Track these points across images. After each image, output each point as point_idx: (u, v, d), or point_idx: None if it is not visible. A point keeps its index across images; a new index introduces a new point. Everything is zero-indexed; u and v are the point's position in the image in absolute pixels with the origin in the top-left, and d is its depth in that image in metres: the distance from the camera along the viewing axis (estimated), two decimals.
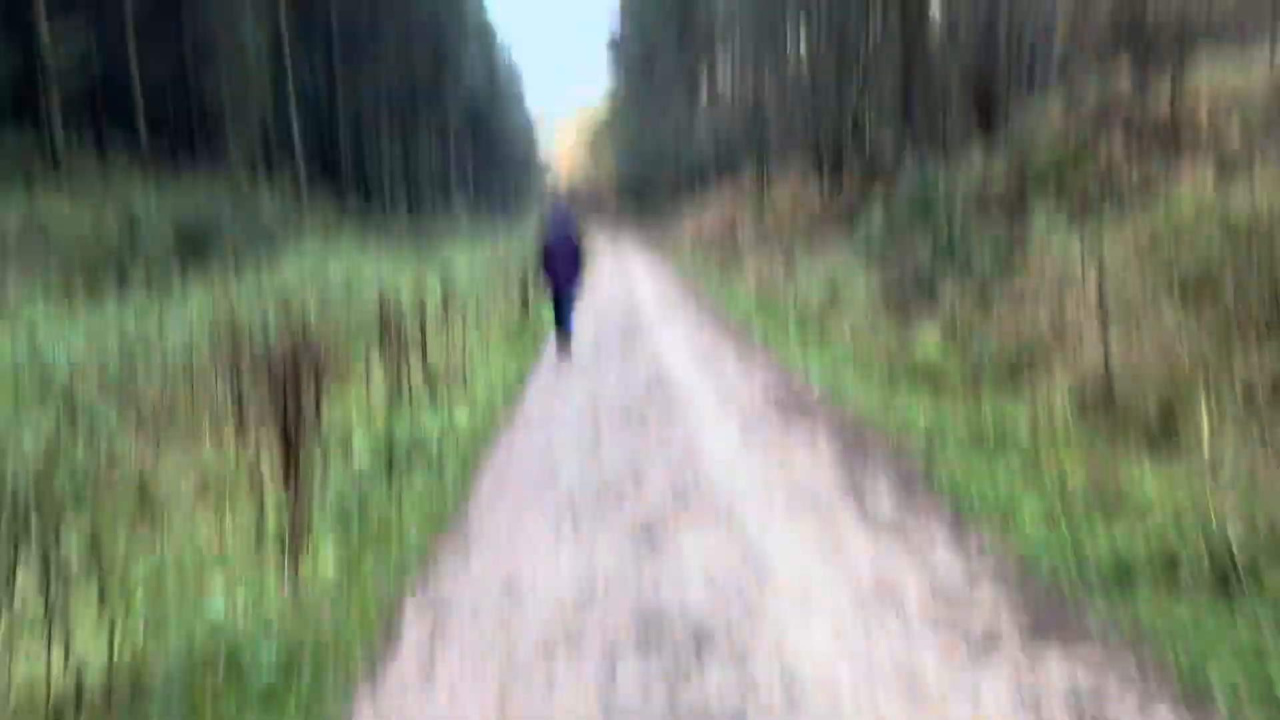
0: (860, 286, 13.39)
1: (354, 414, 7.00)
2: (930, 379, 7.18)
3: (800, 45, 26.90)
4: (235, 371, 5.10)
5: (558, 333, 11.20)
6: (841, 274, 15.12)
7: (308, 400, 5.16)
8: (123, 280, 14.91)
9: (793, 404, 7.24)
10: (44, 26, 18.97)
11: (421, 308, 9.54)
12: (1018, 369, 6.78)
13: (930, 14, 18.48)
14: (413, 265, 22.35)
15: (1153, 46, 16.15)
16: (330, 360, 8.22)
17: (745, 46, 44.15)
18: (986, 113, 18.98)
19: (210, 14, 26.50)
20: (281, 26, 29.00)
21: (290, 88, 29.91)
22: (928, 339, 7.69)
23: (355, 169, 46.00)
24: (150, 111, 29.68)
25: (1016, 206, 12.76)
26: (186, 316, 9.35)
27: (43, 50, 19.05)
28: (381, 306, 9.20)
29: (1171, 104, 12.87)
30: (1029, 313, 7.65)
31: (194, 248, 15.74)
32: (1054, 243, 8.83)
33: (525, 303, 14.96)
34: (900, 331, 9.38)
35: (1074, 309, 6.90)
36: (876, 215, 16.13)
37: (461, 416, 7.22)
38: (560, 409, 7.54)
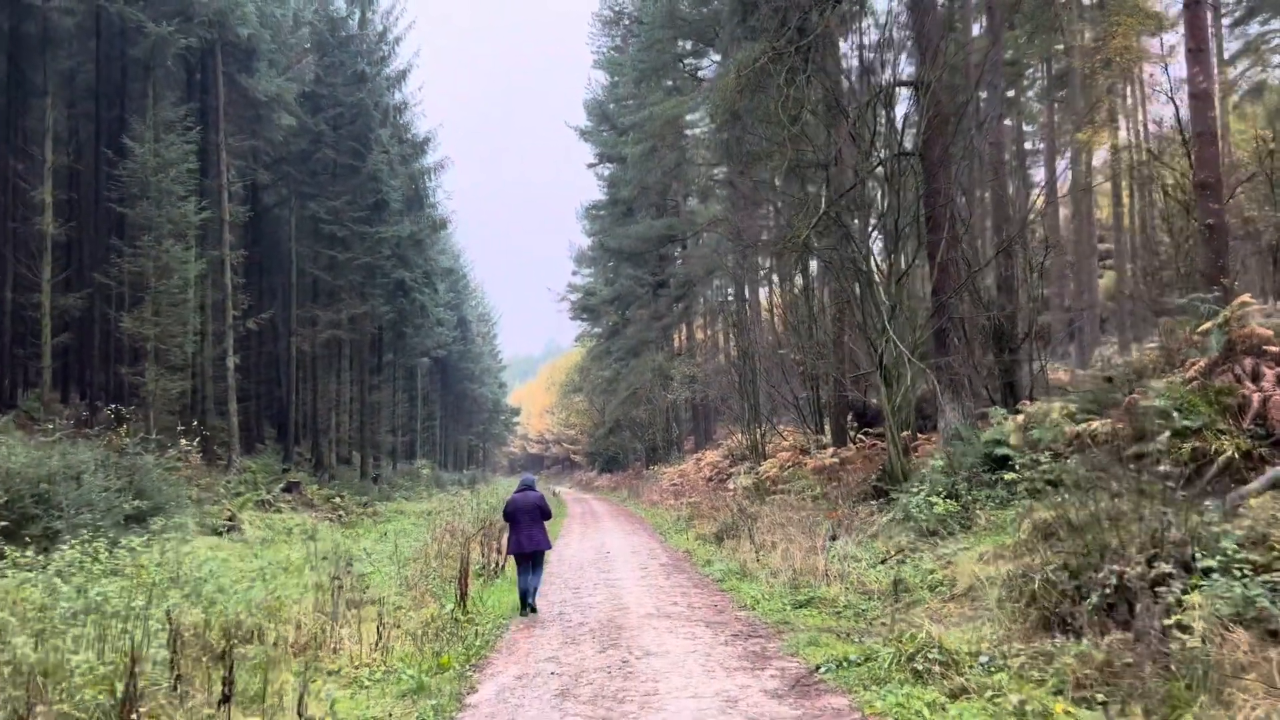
0: (933, 571, 9.45)
1: None
2: None
3: (800, 276, 24.55)
4: None
5: (522, 610, 10.31)
6: (897, 552, 11.19)
7: None
8: None
9: None
10: None
11: (248, 639, 5.43)
12: None
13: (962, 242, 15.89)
14: (334, 540, 18.06)
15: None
16: None
17: (728, 288, 42.81)
18: (1009, 353, 16.02)
19: (146, 244, 23.78)
20: (225, 260, 26.39)
21: (229, 327, 26.86)
22: None
23: (309, 420, 42.40)
24: (62, 354, 26.46)
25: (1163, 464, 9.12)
26: None
27: None
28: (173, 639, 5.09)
29: None
30: None
31: (17, 523, 11.60)
32: None
33: (464, 592, 10.75)
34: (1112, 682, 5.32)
35: None
36: (934, 474, 12.45)
37: None
38: None
